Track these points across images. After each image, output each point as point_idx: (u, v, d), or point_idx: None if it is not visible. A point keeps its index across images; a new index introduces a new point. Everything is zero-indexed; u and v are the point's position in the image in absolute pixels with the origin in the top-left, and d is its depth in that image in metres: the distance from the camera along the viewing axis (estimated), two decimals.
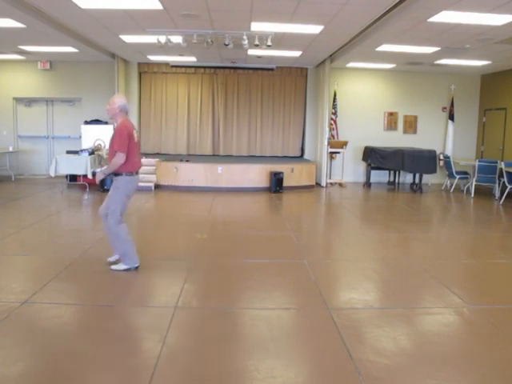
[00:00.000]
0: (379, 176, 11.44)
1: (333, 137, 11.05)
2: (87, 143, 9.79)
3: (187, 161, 9.95)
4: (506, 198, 8.92)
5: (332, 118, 11.17)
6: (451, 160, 10.14)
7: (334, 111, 11.20)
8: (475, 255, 5.43)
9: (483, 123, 11.52)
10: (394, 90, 11.54)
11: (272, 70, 11.39)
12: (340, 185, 11.02)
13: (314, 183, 10.41)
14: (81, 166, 8.96)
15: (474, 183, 9.58)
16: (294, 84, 11.62)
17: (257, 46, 7.63)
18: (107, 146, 4.72)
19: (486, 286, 4.26)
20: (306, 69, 11.50)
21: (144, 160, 10.07)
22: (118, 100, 4.21)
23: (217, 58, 10.23)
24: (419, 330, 3.25)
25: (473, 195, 9.64)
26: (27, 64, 10.89)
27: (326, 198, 9.48)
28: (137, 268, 4.34)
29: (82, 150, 9.26)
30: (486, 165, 9.35)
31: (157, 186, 9.68)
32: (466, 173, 10.20)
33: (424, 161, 9.94)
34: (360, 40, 8.00)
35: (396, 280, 4.36)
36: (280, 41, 8.07)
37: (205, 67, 11.27)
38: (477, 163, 9.43)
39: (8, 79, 11.09)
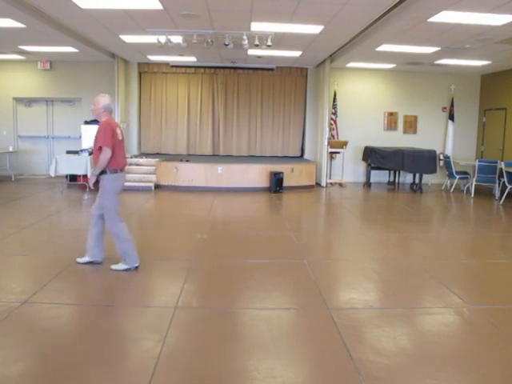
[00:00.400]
0: (379, 176, 11.44)
1: (333, 137, 11.05)
2: (87, 143, 9.77)
3: (187, 161, 9.95)
4: (506, 198, 8.92)
5: (332, 118, 11.17)
6: (451, 160, 10.14)
7: (334, 111, 11.20)
8: (475, 255, 5.43)
9: (483, 123, 11.52)
10: (394, 90, 11.54)
11: (272, 70, 11.39)
12: (340, 185, 11.01)
13: (314, 183, 10.41)
14: (81, 165, 8.96)
15: (473, 183, 9.58)
16: (294, 84, 11.62)
17: (257, 46, 7.63)
18: None
19: (486, 286, 4.26)
20: (306, 69, 11.51)
21: (144, 160, 10.10)
22: (103, 100, 4.24)
23: (217, 58, 10.23)
24: (419, 330, 3.25)
25: (473, 195, 9.64)
26: (27, 64, 10.89)
27: (326, 198, 9.48)
28: (137, 268, 4.35)
29: (81, 150, 9.27)
30: (486, 165, 9.35)
31: (157, 186, 9.68)
32: (466, 173, 10.20)
33: (424, 161, 9.94)
34: (360, 40, 8.00)
35: (396, 280, 4.36)
36: (280, 41, 8.07)
37: (205, 67, 11.27)
38: (477, 163, 9.43)
39: (8, 79, 11.10)
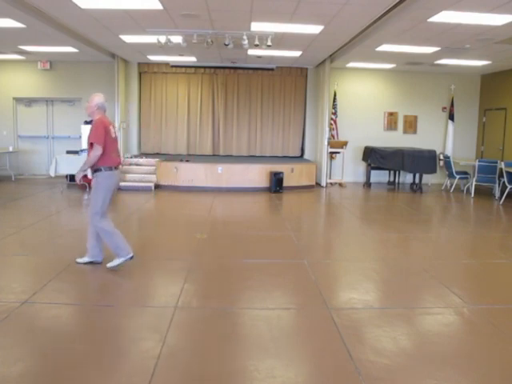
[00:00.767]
0: (379, 176, 11.44)
1: (333, 137, 11.05)
2: (87, 143, 9.77)
3: (187, 161, 9.95)
4: (506, 198, 8.92)
5: (332, 118, 11.17)
6: (451, 160, 10.14)
7: (334, 111, 11.20)
8: (475, 255, 5.43)
9: (483, 123, 11.52)
10: (394, 90, 11.54)
11: (272, 70, 11.39)
12: (340, 185, 11.01)
13: (314, 183, 10.41)
14: (81, 166, 8.94)
15: (473, 183, 9.57)
16: (294, 84, 11.62)
17: (257, 46, 7.63)
18: None
19: (486, 286, 4.26)
20: (306, 69, 11.50)
21: (144, 160, 10.10)
22: (97, 98, 4.27)
23: (217, 58, 10.23)
24: (419, 330, 3.25)
25: (473, 195, 9.64)
26: (27, 64, 10.89)
27: (326, 198, 9.48)
28: (131, 258, 4.33)
29: (81, 150, 9.28)
30: (486, 165, 9.35)
31: (157, 186, 9.68)
32: (466, 173, 10.20)
33: (424, 161, 9.94)
34: (360, 40, 8.00)
35: (396, 280, 4.36)
36: (280, 41, 8.07)
37: (205, 67, 11.27)
38: (477, 163, 9.43)
39: (8, 79, 11.10)
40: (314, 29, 7.15)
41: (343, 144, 10.71)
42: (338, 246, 5.80)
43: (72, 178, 9.55)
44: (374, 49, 8.48)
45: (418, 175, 10.20)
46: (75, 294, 3.84)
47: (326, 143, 10.49)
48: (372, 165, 10.85)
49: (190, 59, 10.47)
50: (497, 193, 9.37)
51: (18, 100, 11.20)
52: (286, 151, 11.80)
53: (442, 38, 7.38)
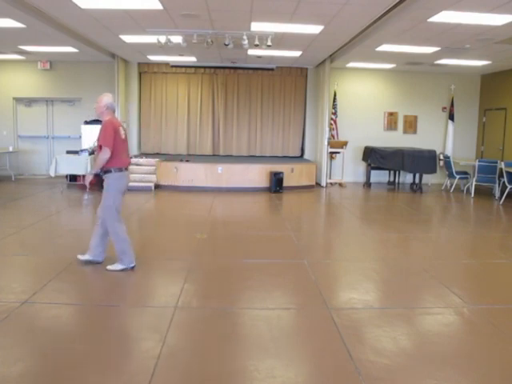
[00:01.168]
0: (379, 176, 11.43)
1: (333, 137, 11.05)
2: (87, 143, 9.78)
3: (187, 161, 9.95)
4: (506, 197, 8.92)
5: (332, 118, 11.17)
6: (451, 160, 10.14)
7: (334, 111, 11.20)
8: (475, 255, 5.43)
9: (483, 123, 11.52)
10: (394, 90, 11.54)
11: (272, 69, 11.39)
12: (340, 185, 11.01)
13: (313, 183, 10.41)
14: (81, 166, 8.96)
15: (474, 183, 9.57)
16: (294, 84, 11.62)
17: (257, 46, 7.63)
18: None
19: (486, 286, 4.26)
20: (306, 69, 11.50)
21: (144, 160, 10.10)
22: (106, 99, 4.25)
23: (217, 58, 10.23)
24: (419, 329, 3.25)
25: (473, 195, 9.64)
26: (27, 64, 10.89)
27: (326, 198, 9.48)
28: (133, 268, 4.34)
29: (81, 150, 9.27)
30: (486, 165, 9.35)
31: (157, 186, 9.68)
32: (466, 173, 10.20)
33: (424, 161, 9.94)
34: (360, 40, 8.00)
35: (396, 280, 4.36)
36: (280, 41, 8.07)
37: (205, 67, 11.27)
38: (477, 163, 9.43)
39: (8, 79, 11.10)
40: (314, 29, 7.15)
41: (343, 144, 10.71)
42: (338, 245, 5.80)
43: (72, 178, 9.55)
44: (374, 49, 8.48)
45: (417, 175, 10.20)
46: (75, 294, 3.84)
47: (325, 143, 10.49)
48: (372, 165, 10.85)
49: (190, 59, 10.47)
50: (497, 193, 9.37)
51: (18, 100, 11.20)
52: (285, 151, 11.80)
53: (441, 38, 7.38)
